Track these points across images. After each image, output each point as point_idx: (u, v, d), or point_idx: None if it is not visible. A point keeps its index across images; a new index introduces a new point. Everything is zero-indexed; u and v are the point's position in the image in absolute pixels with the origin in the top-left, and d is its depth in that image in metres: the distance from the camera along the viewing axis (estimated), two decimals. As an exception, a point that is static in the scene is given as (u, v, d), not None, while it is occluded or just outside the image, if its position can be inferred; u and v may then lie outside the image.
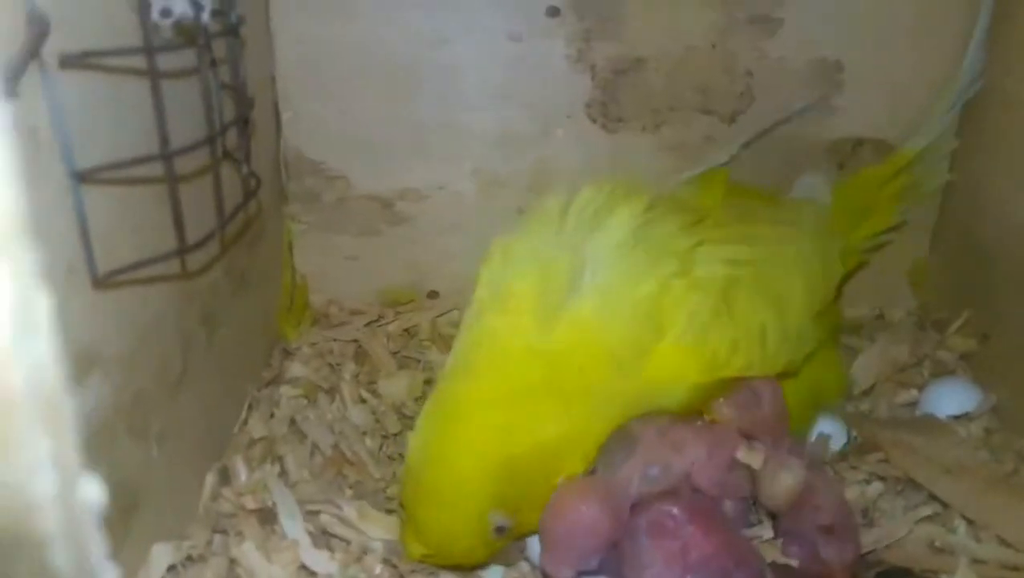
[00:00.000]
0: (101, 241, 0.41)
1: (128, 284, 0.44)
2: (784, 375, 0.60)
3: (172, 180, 0.43)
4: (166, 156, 0.43)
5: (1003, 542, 0.57)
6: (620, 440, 0.54)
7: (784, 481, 0.56)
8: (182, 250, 0.45)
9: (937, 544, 0.59)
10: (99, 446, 0.43)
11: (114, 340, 0.45)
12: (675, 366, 0.55)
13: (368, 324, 0.79)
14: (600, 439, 0.54)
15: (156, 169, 0.43)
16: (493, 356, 0.53)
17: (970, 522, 0.59)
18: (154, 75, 0.43)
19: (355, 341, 0.76)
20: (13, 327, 0.17)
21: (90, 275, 0.41)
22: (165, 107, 0.43)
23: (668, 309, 0.55)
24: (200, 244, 0.45)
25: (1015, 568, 0.55)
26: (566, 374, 0.52)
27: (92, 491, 0.20)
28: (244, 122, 0.53)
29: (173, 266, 0.46)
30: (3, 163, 0.17)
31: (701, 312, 0.55)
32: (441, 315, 0.81)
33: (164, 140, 0.43)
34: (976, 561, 0.56)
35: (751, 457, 0.56)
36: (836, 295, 0.68)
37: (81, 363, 0.41)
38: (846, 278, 0.74)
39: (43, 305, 0.18)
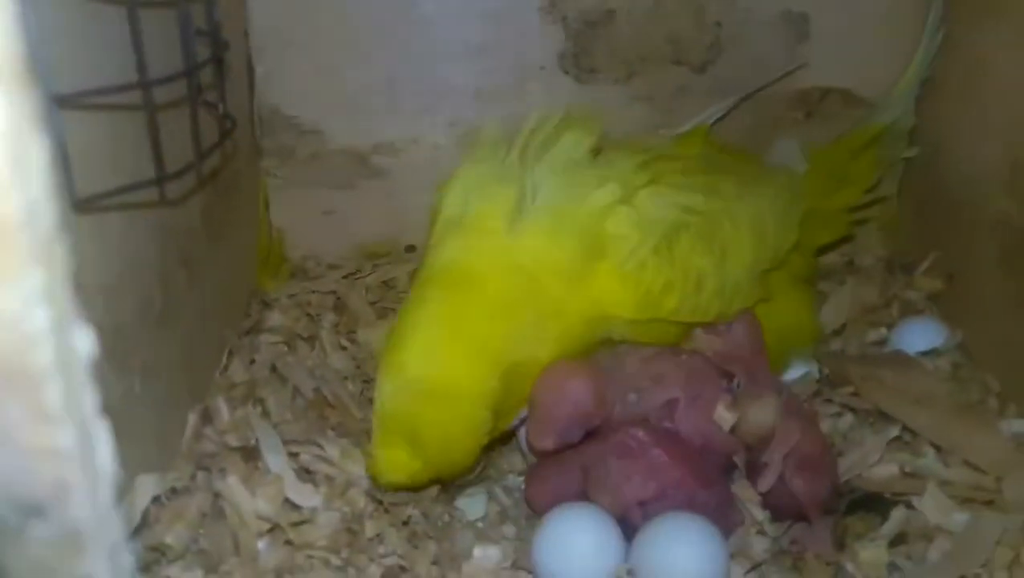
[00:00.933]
0: (81, 166, 0.42)
1: (108, 211, 0.44)
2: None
3: (150, 109, 0.44)
4: (144, 85, 0.44)
5: (969, 465, 0.59)
6: (609, 358, 0.56)
7: (757, 415, 0.58)
8: (161, 178, 0.45)
9: (907, 469, 0.60)
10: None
11: (95, 270, 0.45)
12: (613, 295, 0.57)
13: (346, 276, 0.79)
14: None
15: (135, 98, 0.44)
16: (480, 270, 0.55)
17: (938, 448, 0.61)
18: (132, 4, 0.43)
19: (333, 292, 0.77)
20: (10, 161, 0.18)
21: (69, 199, 0.41)
22: (143, 40, 0.43)
23: (610, 231, 0.57)
24: (179, 173, 0.46)
25: (980, 488, 0.57)
26: (537, 290, 0.54)
27: (83, 339, 0.21)
28: (219, 62, 0.54)
29: (152, 194, 0.46)
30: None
31: (641, 249, 0.57)
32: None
33: (142, 69, 0.44)
34: (944, 483, 0.58)
35: (724, 418, 0.57)
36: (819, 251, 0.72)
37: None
38: (833, 244, 0.78)
39: (38, 142, 0.19)
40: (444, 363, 0.53)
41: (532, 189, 0.57)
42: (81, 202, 0.42)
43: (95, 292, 0.45)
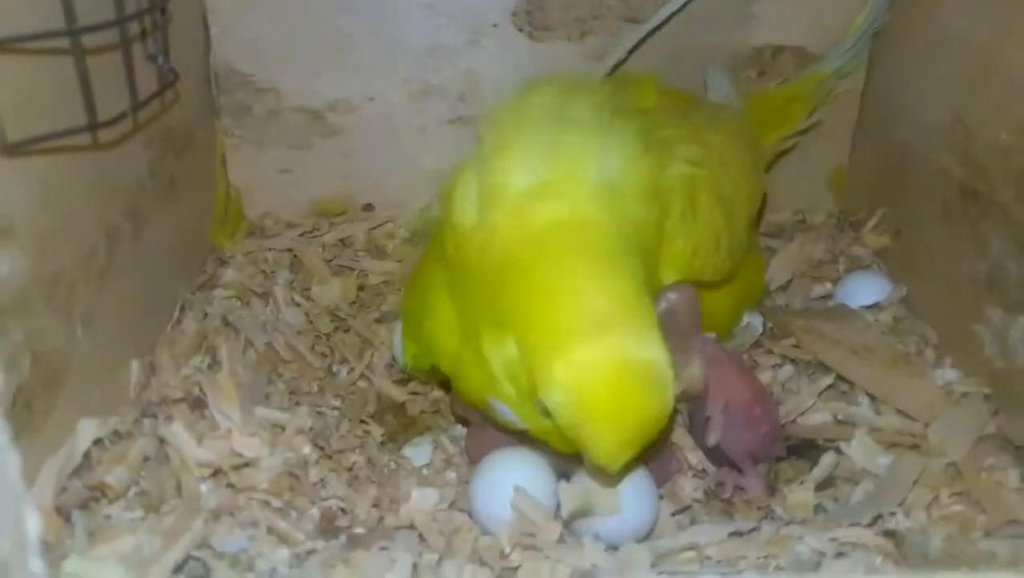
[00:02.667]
0: (14, 113, 0.42)
1: (41, 155, 0.45)
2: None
3: (79, 55, 0.45)
4: (72, 32, 0.44)
5: (900, 413, 0.61)
6: None
7: (687, 374, 0.59)
8: (93, 125, 0.46)
9: (839, 417, 0.62)
10: (14, 311, 0.44)
11: (28, 213, 0.46)
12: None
13: (303, 234, 0.80)
14: None
15: (65, 45, 0.45)
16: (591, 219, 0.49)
17: (872, 397, 0.63)
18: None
19: (289, 250, 0.78)
20: None
21: (0, 143, 0.42)
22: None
23: (664, 190, 0.55)
24: (112, 121, 0.47)
25: (908, 433, 0.59)
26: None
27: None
28: (160, 12, 0.54)
29: (85, 140, 0.47)
30: None
31: (673, 213, 0.56)
32: (376, 227, 0.82)
33: (70, 16, 0.44)
34: (874, 429, 0.60)
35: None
36: None
37: (-7, 228, 0.43)
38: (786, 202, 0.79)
39: None
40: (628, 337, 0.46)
41: (600, 149, 0.51)
42: (11, 146, 0.43)
43: (29, 237, 0.46)
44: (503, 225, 0.49)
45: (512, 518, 0.51)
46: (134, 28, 0.50)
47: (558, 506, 0.53)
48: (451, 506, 0.55)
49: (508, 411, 0.51)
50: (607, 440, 0.46)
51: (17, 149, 0.43)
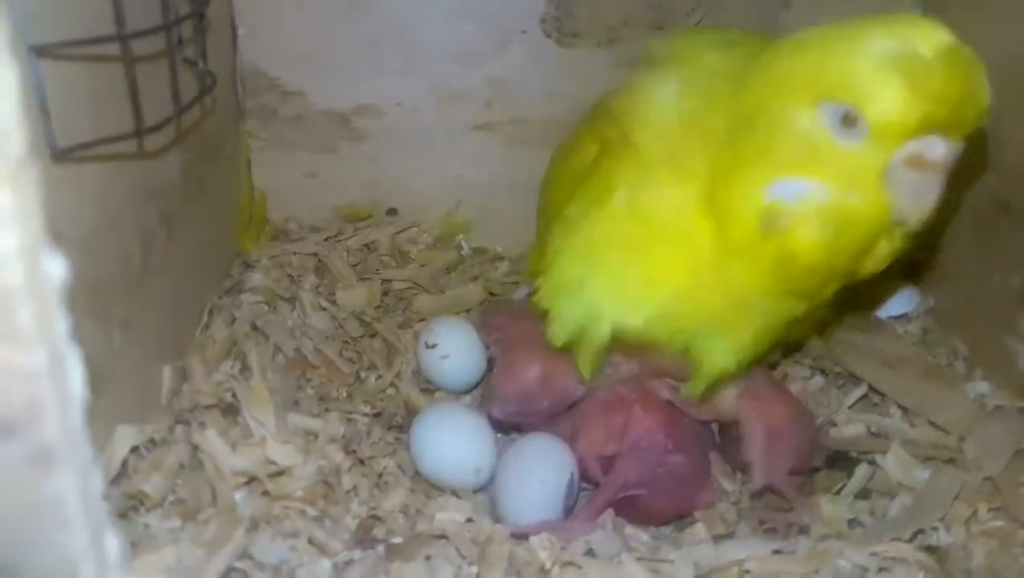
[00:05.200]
0: (61, 118, 0.42)
1: (87, 162, 0.45)
2: None
3: (129, 61, 0.44)
4: (123, 37, 0.44)
5: (933, 425, 0.61)
6: None
7: (721, 400, 0.59)
8: (140, 131, 0.46)
9: (873, 429, 0.62)
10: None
11: (73, 221, 0.46)
12: None
13: (327, 239, 0.80)
14: None
15: (113, 51, 0.44)
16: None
17: (904, 409, 0.63)
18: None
19: (314, 255, 0.78)
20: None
21: (49, 149, 0.42)
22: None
23: None
24: (158, 127, 0.46)
25: (943, 447, 0.59)
26: None
27: (55, 265, 0.21)
28: (199, 18, 0.54)
29: (130, 146, 0.47)
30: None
31: None
32: (400, 231, 0.82)
33: (120, 22, 0.44)
34: (908, 442, 0.60)
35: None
36: None
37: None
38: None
39: (7, 75, 0.19)
40: None
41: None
42: (60, 152, 0.42)
43: (73, 243, 0.45)
44: None
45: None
46: (175, 34, 0.50)
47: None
48: (481, 514, 0.55)
49: None
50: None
51: (66, 155, 0.42)
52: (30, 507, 0.22)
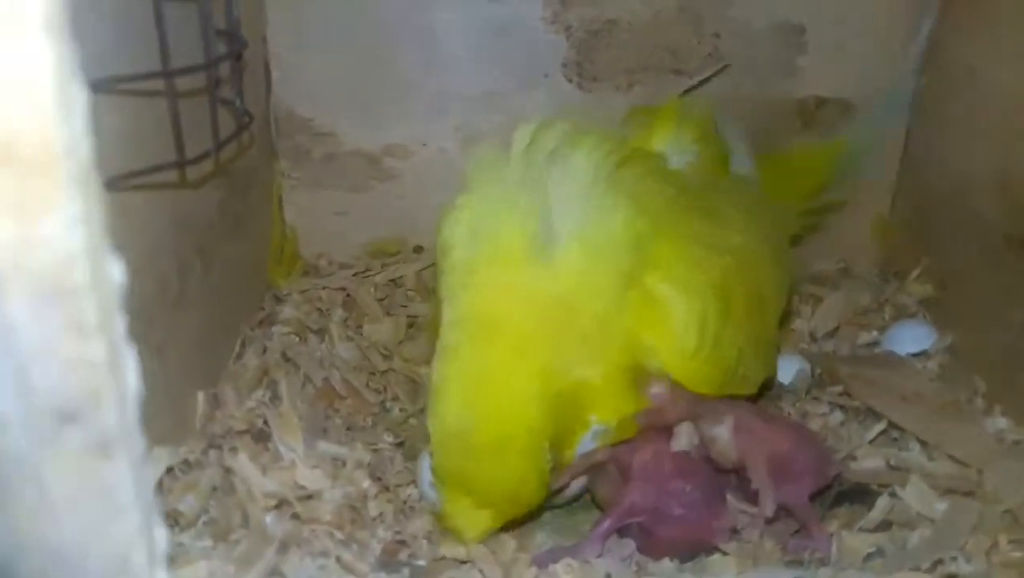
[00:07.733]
0: (106, 149, 0.44)
1: (131, 190, 0.47)
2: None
3: (173, 96, 0.47)
4: (167, 74, 0.47)
5: (952, 459, 0.61)
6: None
7: (716, 449, 0.59)
8: (181, 163, 0.48)
9: (892, 462, 0.62)
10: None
11: (118, 249, 0.48)
12: (698, 375, 0.57)
13: (356, 274, 0.82)
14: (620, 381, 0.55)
15: (158, 88, 0.47)
16: (507, 309, 0.51)
17: (923, 443, 0.63)
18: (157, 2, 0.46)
19: (343, 289, 0.80)
20: (58, 101, 0.21)
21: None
22: (167, 34, 0.47)
23: (662, 294, 0.55)
24: (198, 159, 0.49)
25: (962, 479, 0.59)
26: (577, 314, 0.52)
27: (115, 266, 0.23)
28: (237, 58, 0.57)
29: (171, 176, 0.49)
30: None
31: (711, 321, 0.56)
32: (426, 268, 0.84)
33: (166, 59, 0.47)
34: (927, 475, 0.60)
35: (681, 444, 0.59)
36: None
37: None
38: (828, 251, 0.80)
39: (78, 93, 0.21)
40: (485, 413, 0.51)
41: (553, 216, 0.52)
42: (109, 181, 0.45)
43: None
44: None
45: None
46: (215, 72, 0.52)
47: None
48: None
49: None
50: None
51: (111, 184, 0.45)
52: (88, 492, 0.23)
